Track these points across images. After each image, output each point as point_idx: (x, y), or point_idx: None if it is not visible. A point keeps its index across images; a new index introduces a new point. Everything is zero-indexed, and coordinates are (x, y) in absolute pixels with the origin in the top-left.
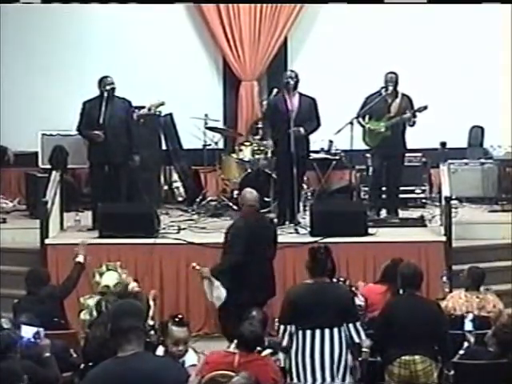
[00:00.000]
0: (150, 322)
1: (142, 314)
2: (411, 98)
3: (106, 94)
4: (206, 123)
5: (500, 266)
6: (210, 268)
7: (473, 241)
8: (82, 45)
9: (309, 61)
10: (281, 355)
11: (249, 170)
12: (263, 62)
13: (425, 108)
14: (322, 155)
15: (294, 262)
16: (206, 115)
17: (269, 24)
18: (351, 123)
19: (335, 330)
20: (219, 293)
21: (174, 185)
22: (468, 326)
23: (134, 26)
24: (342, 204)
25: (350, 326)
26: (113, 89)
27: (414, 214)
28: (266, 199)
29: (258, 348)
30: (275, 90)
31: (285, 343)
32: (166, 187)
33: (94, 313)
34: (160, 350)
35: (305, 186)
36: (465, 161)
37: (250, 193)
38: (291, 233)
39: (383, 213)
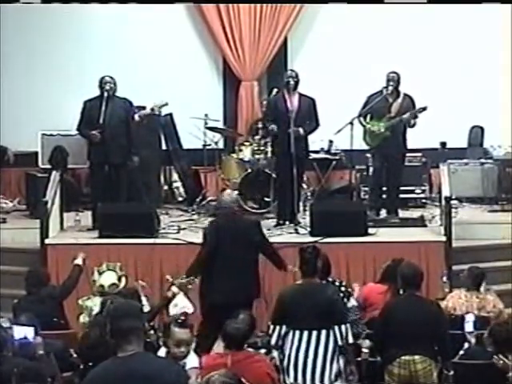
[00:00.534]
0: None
1: (141, 315)
2: (413, 98)
3: (105, 94)
4: (205, 123)
5: (500, 265)
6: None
7: (473, 241)
8: (82, 45)
9: (309, 61)
10: (275, 353)
11: (249, 170)
12: (263, 62)
13: (424, 109)
14: (321, 155)
15: (294, 262)
16: (206, 115)
17: (269, 24)
18: (351, 123)
19: (323, 332)
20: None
21: (174, 185)
22: (469, 327)
23: (134, 26)
24: (342, 204)
25: (336, 327)
26: (112, 89)
27: (414, 213)
28: (266, 199)
29: (251, 350)
30: (275, 90)
31: (273, 342)
32: (165, 187)
33: (94, 314)
34: (162, 352)
35: (305, 186)
36: (465, 161)
37: (228, 195)
38: (291, 233)
39: (383, 213)
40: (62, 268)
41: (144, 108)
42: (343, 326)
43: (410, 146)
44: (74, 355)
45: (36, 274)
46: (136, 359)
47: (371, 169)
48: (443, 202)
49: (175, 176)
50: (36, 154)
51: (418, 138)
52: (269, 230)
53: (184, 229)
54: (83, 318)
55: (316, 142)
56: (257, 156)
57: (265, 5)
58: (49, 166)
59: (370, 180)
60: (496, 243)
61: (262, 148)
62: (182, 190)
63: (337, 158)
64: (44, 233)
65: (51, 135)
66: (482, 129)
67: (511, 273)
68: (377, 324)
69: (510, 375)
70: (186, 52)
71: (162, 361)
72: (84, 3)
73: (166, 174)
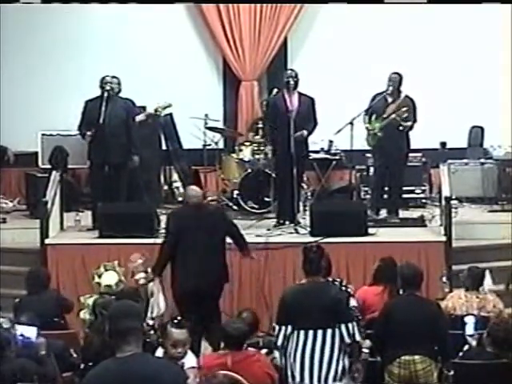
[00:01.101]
0: (150, 322)
1: (140, 315)
2: (414, 101)
3: (105, 94)
4: (205, 123)
5: (500, 266)
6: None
7: (473, 241)
8: (82, 45)
9: (309, 61)
10: (276, 354)
11: (249, 170)
12: (263, 61)
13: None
14: (322, 155)
15: (294, 262)
16: (206, 115)
17: (269, 24)
18: (351, 123)
19: (328, 331)
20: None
21: (174, 185)
22: (469, 329)
23: (134, 26)
24: (341, 204)
25: (342, 326)
26: (115, 89)
27: (414, 213)
28: (266, 199)
29: (252, 349)
30: (275, 90)
31: (279, 343)
32: (166, 187)
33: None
34: (159, 352)
35: (305, 186)
36: (465, 161)
37: (192, 189)
38: (291, 233)
39: (383, 213)
40: (62, 268)
41: (144, 108)
42: (350, 324)
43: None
44: (74, 355)
45: (37, 273)
46: (134, 360)
47: (371, 169)
48: (443, 202)
49: (175, 176)
50: (36, 154)
51: (418, 138)
52: (269, 229)
53: None
54: (83, 315)
55: (316, 142)
56: (257, 156)
57: (265, 5)
58: (49, 166)
59: (371, 180)
60: (496, 243)
61: (261, 148)
62: (181, 189)
63: (337, 158)
64: (44, 233)
65: (51, 135)
66: (482, 129)
67: (511, 272)
68: (377, 324)
69: None
70: (186, 52)
71: (161, 361)
72: (84, 3)
73: (165, 173)
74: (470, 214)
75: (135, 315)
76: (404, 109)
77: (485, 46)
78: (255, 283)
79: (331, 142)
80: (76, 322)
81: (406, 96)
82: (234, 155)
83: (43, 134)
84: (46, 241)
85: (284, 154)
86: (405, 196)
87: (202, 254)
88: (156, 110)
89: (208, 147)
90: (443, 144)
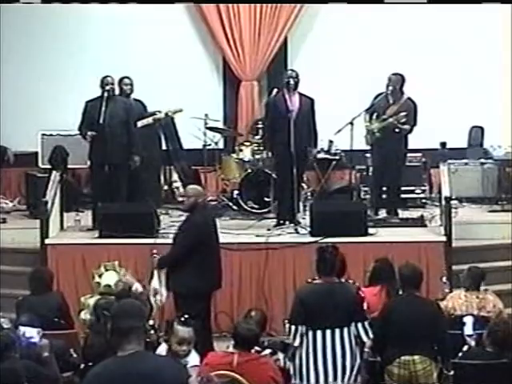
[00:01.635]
0: (150, 322)
1: (142, 314)
2: (416, 103)
3: (105, 94)
4: (206, 123)
5: (500, 265)
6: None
7: (473, 241)
8: (82, 45)
9: (309, 61)
10: (280, 355)
11: (249, 170)
12: (263, 61)
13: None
14: (322, 155)
15: (294, 262)
16: (206, 115)
17: (269, 24)
18: (351, 123)
19: (345, 330)
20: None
21: (174, 185)
22: (468, 330)
23: (134, 26)
24: (341, 204)
25: (359, 325)
26: (114, 89)
27: (414, 214)
28: (266, 199)
29: (257, 348)
30: (275, 90)
31: (296, 344)
32: (166, 187)
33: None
34: (162, 348)
35: (305, 186)
36: (465, 161)
37: (192, 188)
38: (291, 233)
39: (382, 212)
40: (62, 268)
41: (154, 114)
42: (366, 323)
43: (410, 146)
44: (74, 355)
45: (40, 274)
46: (136, 358)
47: (371, 168)
48: (443, 202)
49: (175, 176)
50: (36, 154)
51: (418, 138)
52: (269, 229)
53: None
54: (84, 315)
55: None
56: (257, 156)
57: (265, 5)
58: (49, 166)
59: (370, 180)
60: (496, 243)
61: (261, 148)
62: (181, 189)
63: (337, 157)
64: (44, 233)
65: (51, 135)
66: (482, 129)
67: (511, 273)
68: (376, 324)
69: None
70: (186, 52)
71: (162, 359)
72: (84, 3)
73: (165, 173)
74: (469, 214)
75: (138, 314)
76: (403, 113)
77: (485, 46)
78: (255, 283)
79: (331, 141)
80: (76, 322)
81: (408, 98)
82: (233, 155)
83: (43, 134)
84: (46, 241)
85: (284, 154)
86: (405, 196)
87: (217, 255)
88: (166, 114)
89: (208, 147)
90: (443, 144)
